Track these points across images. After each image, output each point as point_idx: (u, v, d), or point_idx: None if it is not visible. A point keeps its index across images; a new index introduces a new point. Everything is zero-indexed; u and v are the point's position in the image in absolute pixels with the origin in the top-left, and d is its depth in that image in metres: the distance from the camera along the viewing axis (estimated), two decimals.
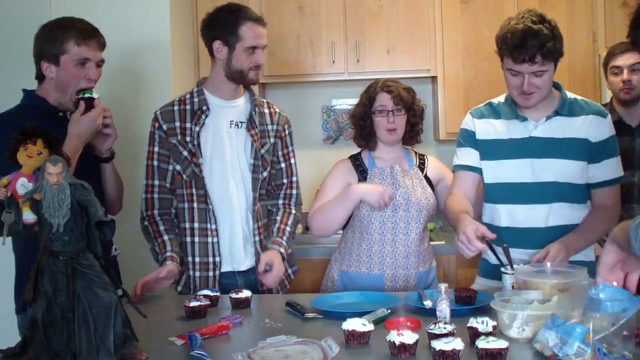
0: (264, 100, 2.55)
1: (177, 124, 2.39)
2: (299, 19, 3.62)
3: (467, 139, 2.27)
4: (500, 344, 1.43)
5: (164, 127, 2.38)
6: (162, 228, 2.37)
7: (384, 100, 2.47)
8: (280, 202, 2.52)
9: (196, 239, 2.37)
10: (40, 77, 2.18)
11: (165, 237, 2.34)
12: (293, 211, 2.52)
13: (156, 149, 2.40)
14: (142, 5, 3.14)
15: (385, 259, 2.44)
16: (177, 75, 3.22)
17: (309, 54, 3.63)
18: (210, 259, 2.36)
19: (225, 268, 2.39)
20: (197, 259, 2.37)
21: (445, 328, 1.56)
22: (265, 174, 2.44)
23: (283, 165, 2.52)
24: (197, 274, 2.37)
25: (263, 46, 2.38)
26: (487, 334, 1.52)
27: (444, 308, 1.75)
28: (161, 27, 3.13)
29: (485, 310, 1.78)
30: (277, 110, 2.54)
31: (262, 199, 2.46)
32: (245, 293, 2.06)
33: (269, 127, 2.48)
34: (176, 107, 2.41)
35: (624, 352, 1.36)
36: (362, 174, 2.52)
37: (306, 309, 1.93)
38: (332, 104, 4.01)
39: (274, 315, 1.95)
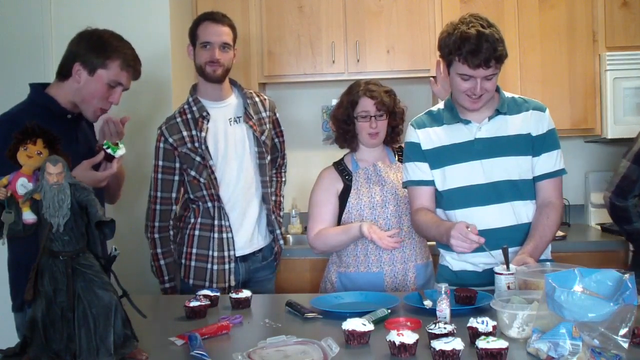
0: (251, 91, 2.73)
1: (185, 133, 2.53)
2: (299, 19, 3.62)
3: (414, 152, 2.25)
4: (500, 344, 1.43)
5: (170, 140, 2.53)
6: (159, 251, 2.58)
7: (366, 105, 2.47)
8: (274, 171, 2.84)
9: (216, 235, 2.55)
10: (64, 75, 2.14)
11: (162, 262, 2.58)
12: (283, 178, 2.91)
13: (160, 162, 2.55)
14: (142, 7, 3.14)
15: (382, 255, 2.44)
16: (177, 76, 3.22)
17: (309, 54, 3.63)
18: (226, 253, 2.56)
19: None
20: (215, 253, 2.55)
21: (445, 328, 1.57)
22: (268, 157, 2.68)
23: (277, 141, 2.82)
24: (215, 267, 2.55)
25: (218, 43, 2.53)
26: (487, 334, 1.52)
27: (444, 308, 1.75)
28: (161, 29, 3.13)
29: (485, 310, 1.79)
30: (265, 97, 2.77)
31: (271, 182, 2.73)
32: (245, 293, 2.06)
33: (263, 114, 2.70)
34: (179, 119, 2.57)
35: (612, 350, 1.38)
36: (347, 177, 2.53)
37: (306, 309, 1.93)
38: (332, 104, 3.99)
39: (274, 315, 1.95)
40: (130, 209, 2.86)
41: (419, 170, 2.23)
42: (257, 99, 2.70)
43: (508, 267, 1.94)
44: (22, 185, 1.48)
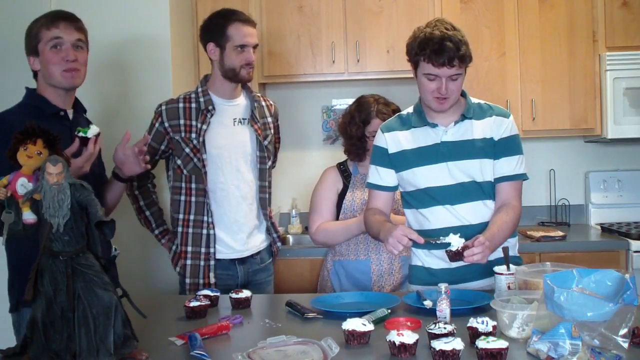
0: (259, 95, 2.71)
1: (182, 121, 2.52)
2: (299, 19, 3.62)
3: (380, 156, 2.29)
4: (500, 344, 1.44)
5: (166, 123, 2.52)
6: (142, 203, 2.63)
7: (377, 126, 2.46)
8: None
9: (191, 230, 2.53)
10: (34, 74, 2.19)
11: (147, 213, 2.63)
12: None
13: (149, 140, 2.52)
14: (142, 3, 3.14)
15: (369, 245, 2.63)
16: (177, 72, 3.21)
17: (309, 54, 3.63)
18: (203, 249, 2.52)
19: (222, 256, 2.53)
20: (189, 248, 2.53)
21: (445, 328, 1.57)
22: (269, 163, 2.67)
23: (272, 148, 2.75)
24: (189, 262, 2.53)
25: (253, 45, 2.53)
26: (487, 334, 1.52)
27: (444, 308, 1.75)
28: (161, 24, 3.13)
29: (485, 310, 1.79)
30: (271, 102, 2.77)
31: (270, 187, 2.68)
32: (245, 293, 2.06)
33: (268, 118, 2.69)
34: (181, 105, 2.55)
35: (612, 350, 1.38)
36: (347, 179, 2.75)
37: (306, 309, 1.94)
38: (332, 104, 4.01)
39: (274, 315, 1.95)
40: (131, 209, 2.85)
41: (378, 175, 2.29)
42: (263, 103, 2.69)
43: (508, 267, 1.94)
44: (22, 185, 1.48)
